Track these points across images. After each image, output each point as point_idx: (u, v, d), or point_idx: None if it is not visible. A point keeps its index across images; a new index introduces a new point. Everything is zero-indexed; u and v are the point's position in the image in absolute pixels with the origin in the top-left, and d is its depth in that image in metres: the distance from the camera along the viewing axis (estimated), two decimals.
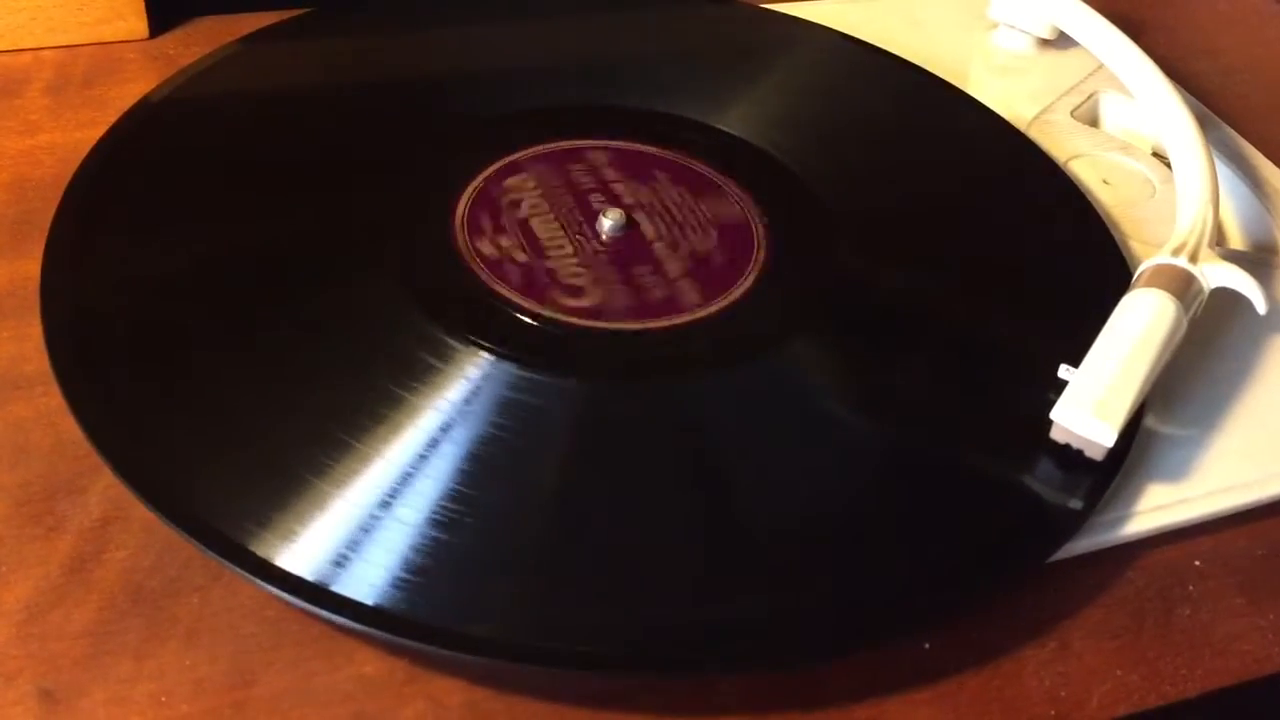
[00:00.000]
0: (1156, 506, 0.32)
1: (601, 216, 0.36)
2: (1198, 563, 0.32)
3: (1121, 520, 0.31)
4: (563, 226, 0.36)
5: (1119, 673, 0.29)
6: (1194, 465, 0.33)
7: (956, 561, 0.29)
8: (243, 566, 0.27)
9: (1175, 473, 0.33)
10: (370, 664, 0.27)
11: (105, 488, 0.30)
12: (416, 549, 0.27)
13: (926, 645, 0.29)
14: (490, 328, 0.32)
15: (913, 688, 0.28)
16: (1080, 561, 0.31)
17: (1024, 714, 0.28)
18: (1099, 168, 0.44)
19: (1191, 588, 0.31)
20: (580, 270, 0.35)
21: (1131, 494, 0.32)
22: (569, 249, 0.35)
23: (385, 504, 0.28)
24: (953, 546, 0.30)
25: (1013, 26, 0.50)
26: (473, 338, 0.32)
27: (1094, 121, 0.47)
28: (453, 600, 0.27)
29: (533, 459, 0.30)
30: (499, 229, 0.36)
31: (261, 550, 0.27)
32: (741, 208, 0.38)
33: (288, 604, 0.27)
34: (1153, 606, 0.30)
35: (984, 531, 0.30)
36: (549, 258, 0.35)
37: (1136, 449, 0.32)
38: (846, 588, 0.28)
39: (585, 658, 0.26)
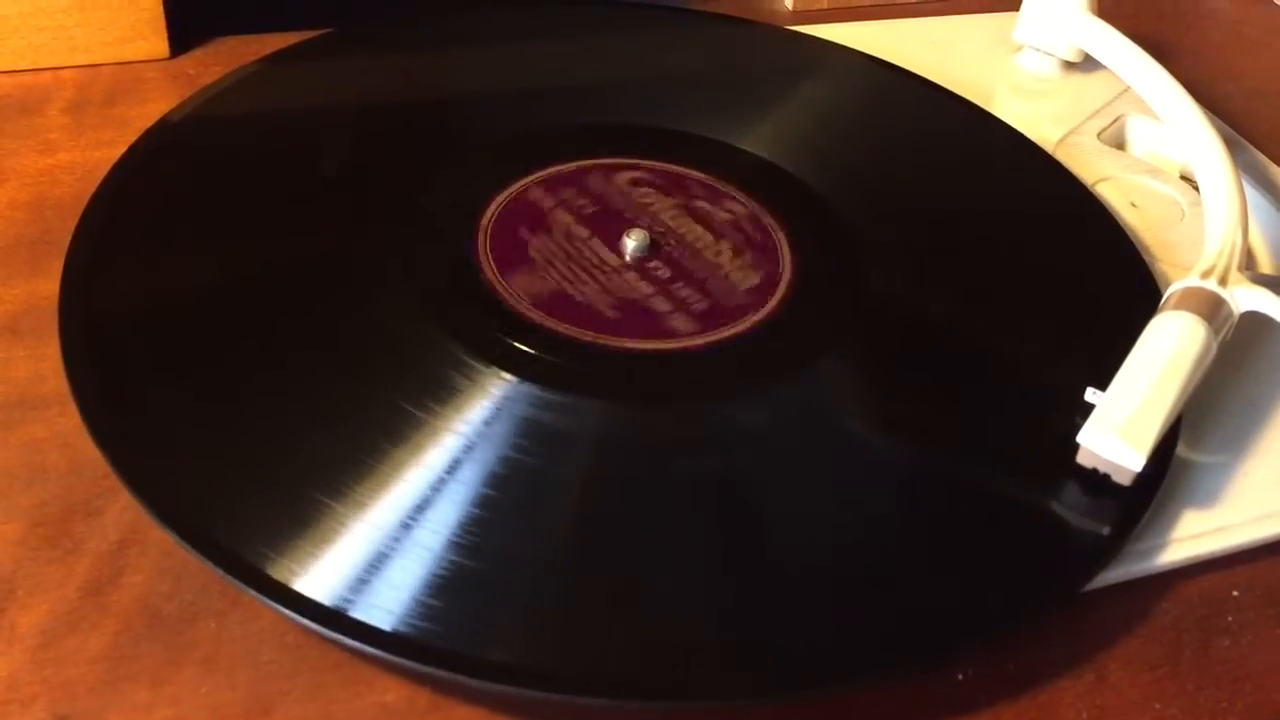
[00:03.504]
0: (1193, 535, 0.31)
1: (625, 237, 0.36)
2: (1235, 593, 0.31)
3: (1157, 549, 0.31)
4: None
5: (1158, 706, 0.28)
6: (1230, 492, 0.33)
7: (989, 589, 0.29)
8: (261, 591, 0.26)
9: (1211, 500, 0.32)
10: (391, 692, 0.27)
11: (122, 510, 0.29)
12: (437, 573, 0.27)
13: (960, 676, 0.28)
14: (511, 348, 0.32)
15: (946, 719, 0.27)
16: (1115, 591, 0.30)
17: None
18: (1126, 190, 0.43)
19: (1230, 618, 0.30)
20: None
21: (1167, 522, 0.31)
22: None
23: (405, 527, 0.28)
24: (984, 573, 0.29)
25: (1038, 49, 0.49)
26: (494, 358, 0.31)
27: (1120, 144, 0.47)
28: (475, 626, 0.26)
29: (555, 482, 0.29)
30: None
31: (280, 575, 0.26)
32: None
33: (307, 630, 0.27)
34: (1190, 638, 0.30)
35: (1016, 559, 0.29)
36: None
37: (1171, 476, 0.31)
38: (876, 616, 0.28)
39: (611, 686, 0.26)
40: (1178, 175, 0.44)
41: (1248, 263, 0.37)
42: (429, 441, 0.29)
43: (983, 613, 0.28)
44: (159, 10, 0.44)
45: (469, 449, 0.29)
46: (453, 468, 0.29)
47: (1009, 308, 0.37)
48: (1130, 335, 0.33)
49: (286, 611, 0.26)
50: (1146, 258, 0.39)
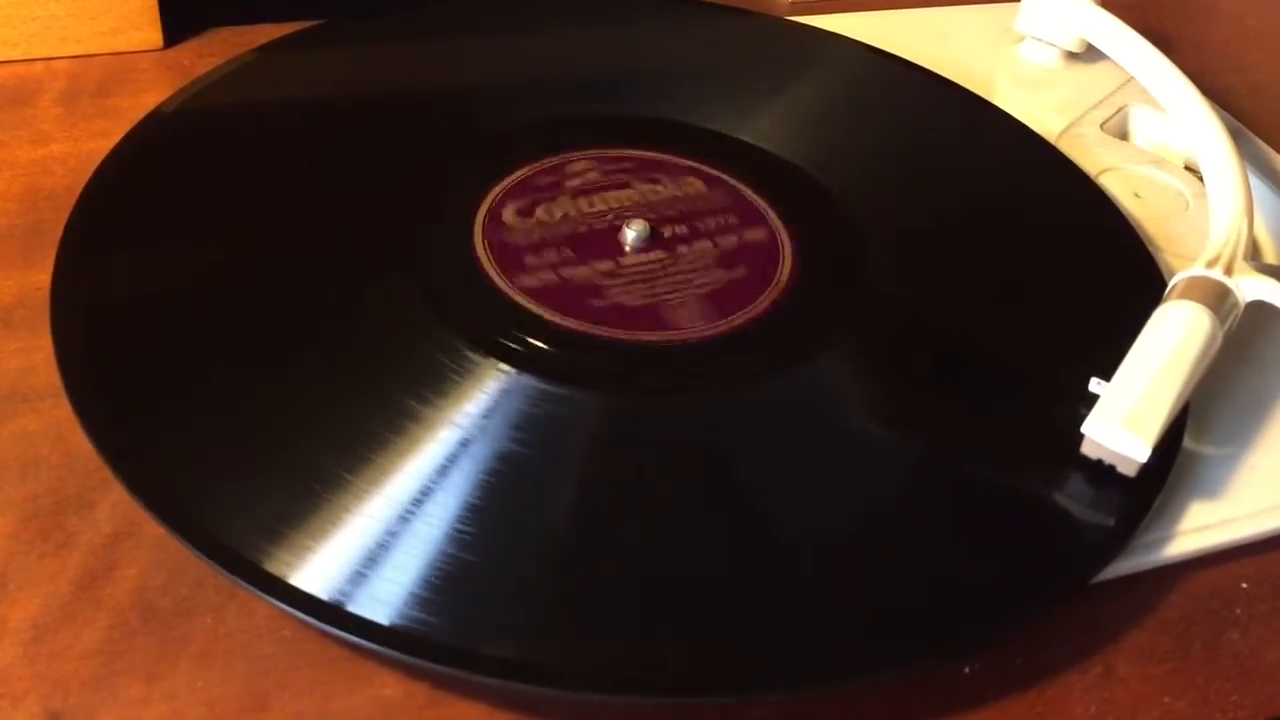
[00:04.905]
0: (1200, 527, 0.31)
1: (625, 228, 0.35)
2: (1244, 585, 0.31)
3: (1164, 541, 0.30)
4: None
5: (1167, 699, 0.28)
6: (1238, 484, 0.32)
7: (995, 582, 0.28)
8: (256, 585, 0.26)
9: (1219, 492, 0.32)
10: (389, 687, 0.26)
11: (115, 503, 0.29)
12: (436, 567, 0.27)
13: (966, 669, 0.28)
14: (510, 340, 0.32)
15: (953, 714, 0.27)
16: (1123, 584, 0.30)
17: None
18: (1130, 181, 0.43)
19: (1239, 611, 0.30)
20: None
21: (1174, 514, 0.31)
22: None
23: (403, 521, 0.27)
24: (990, 566, 0.29)
25: (1040, 39, 0.49)
26: (492, 350, 0.31)
27: (1124, 135, 0.46)
28: (474, 620, 0.26)
29: (554, 474, 0.29)
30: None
31: (276, 568, 0.26)
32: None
33: (304, 624, 0.26)
34: (1200, 630, 0.29)
35: (1022, 551, 0.29)
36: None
37: (1179, 467, 0.31)
38: (882, 610, 0.27)
39: (612, 681, 0.26)
40: (1182, 166, 0.44)
41: (1253, 254, 0.37)
42: (427, 434, 0.29)
43: (989, 606, 0.28)
44: (153, 0, 0.44)
45: (467, 441, 0.29)
46: (451, 460, 0.29)
47: (1012, 299, 0.36)
48: (1135, 326, 0.32)
49: (283, 605, 0.26)
50: (1151, 248, 0.39)
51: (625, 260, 0.35)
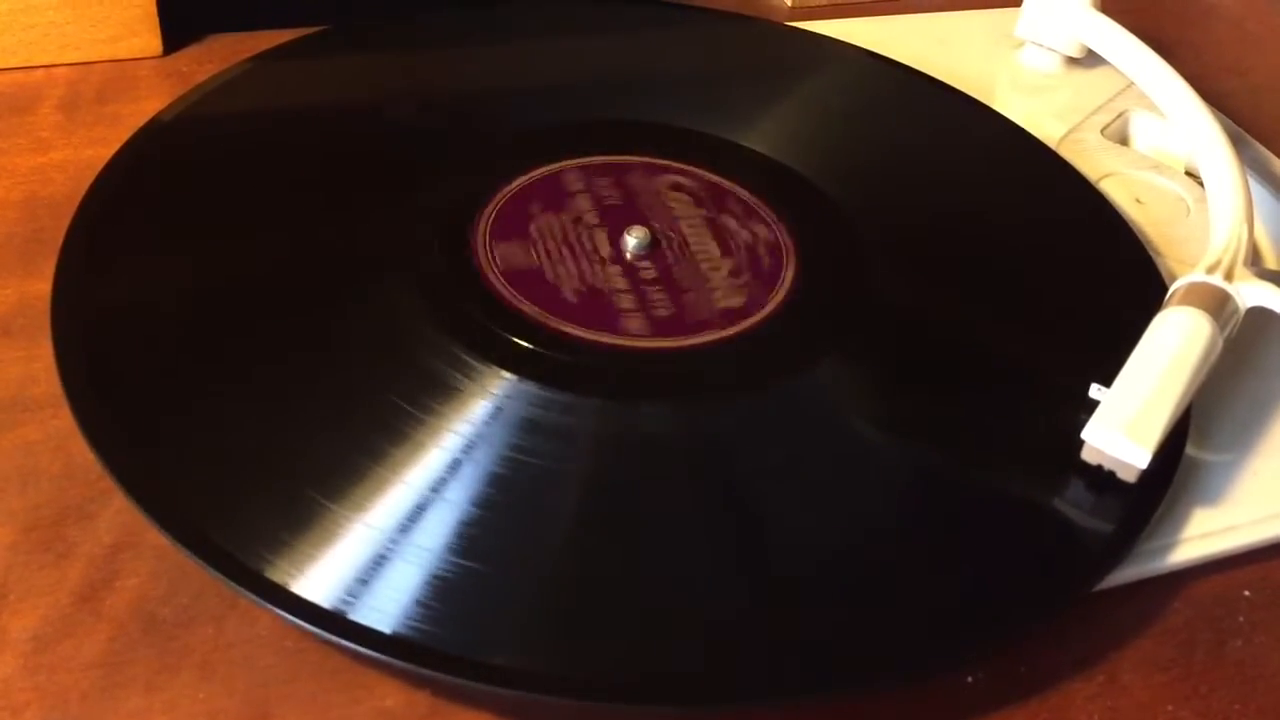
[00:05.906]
0: (1202, 534, 0.31)
1: (626, 234, 0.35)
2: (1247, 593, 0.31)
3: (1167, 548, 0.30)
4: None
5: (1170, 707, 0.28)
6: (1240, 490, 0.32)
7: (997, 589, 0.28)
8: (258, 594, 0.26)
9: (1221, 498, 0.32)
10: (391, 697, 0.26)
11: (116, 513, 0.29)
12: (437, 575, 0.27)
13: (969, 678, 0.28)
14: (511, 347, 0.31)
15: None
16: (1125, 591, 0.30)
17: None
18: (1131, 187, 0.43)
19: (1242, 619, 0.30)
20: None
21: (1177, 521, 0.31)
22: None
23: (405, 529, 0.27)
24: (991, 574, 0.29)
25: (1040, 45, 0.49)
26: (493, 357, 0.31)
27: (1124, 140, 0.46)
28: (476, 629, 0.26)
29: (555, 482, 0.29)
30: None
31: (277, 577, 0.26)
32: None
33: (305, 633, 0.26)
34: (1203, 638, 0.29)
35: (1024, 558, 0.29)
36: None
37: (1181, 473, 0.31)
38: (883, 618, 0.27)
39: (614, 690, 0.25)
40: (1182, 171, 0.44)
41: (1253, 259, 0.37)
42: (428, 441, 0.29)
43: (991, 614, 0.28)
44: (152, 7, 0.44)
45: (468, 449, 0.29)
46: (452, 468, 0.29)
47: (1013, 305, 0.36)
48: (1135, 331, 0.32)
49: (285, 615, 0.26)
50: (1151, 254, 0.39)
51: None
